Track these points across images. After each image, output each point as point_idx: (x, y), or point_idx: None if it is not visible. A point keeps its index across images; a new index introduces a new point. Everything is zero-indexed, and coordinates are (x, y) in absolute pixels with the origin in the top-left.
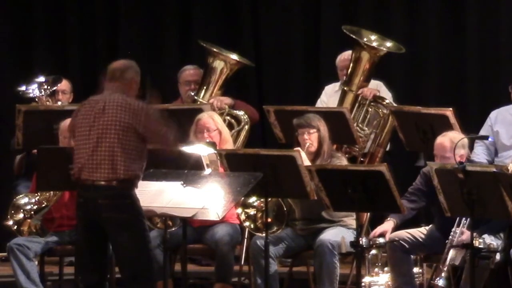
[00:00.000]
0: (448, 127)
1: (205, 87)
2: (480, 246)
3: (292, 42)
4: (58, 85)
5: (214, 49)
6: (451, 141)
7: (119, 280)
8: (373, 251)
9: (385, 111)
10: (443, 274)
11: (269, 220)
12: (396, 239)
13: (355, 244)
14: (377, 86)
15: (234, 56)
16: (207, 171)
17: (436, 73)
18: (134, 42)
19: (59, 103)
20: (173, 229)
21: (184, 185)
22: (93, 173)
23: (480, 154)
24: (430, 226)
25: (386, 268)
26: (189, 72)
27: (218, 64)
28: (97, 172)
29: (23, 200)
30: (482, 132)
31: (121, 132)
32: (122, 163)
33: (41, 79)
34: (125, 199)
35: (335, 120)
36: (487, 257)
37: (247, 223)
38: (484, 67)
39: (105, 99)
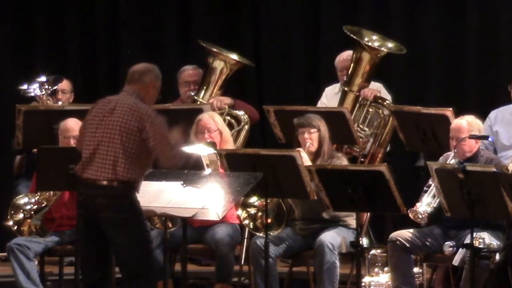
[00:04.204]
0: (448, 127)
1: (205, 87)
2: (480, 246)
3: (292, 42)
4: (59, 84)
5: (214, 49)
6: (468, 123)
7: (119, 280)
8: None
9: (385, 112)
10: (423, 199)
11: (269, 220)
12: (398, 238)
13: (355, 244)
14: (377, 88)
15: (234, 56)
16: (207, 171)
17: (436, 73)
18: (134, 42)
19: (60, 103)
20: (173, 229)
21: (184, 185)
22: (95, 171)
23: None
24: (432, 226)
25: (386, 268)
26: (188, 72)
27: (218, 64)
28: (98, 171)
29: (23, 200)
30: (482, 132)
31: (125, 135)
32: (123, 165)
33: (43, 78)
34: (123, 199)
35: (335, 120)
36: (487, 257)
37: (246, 221)
38: (484, 67)
39: (118, 100)
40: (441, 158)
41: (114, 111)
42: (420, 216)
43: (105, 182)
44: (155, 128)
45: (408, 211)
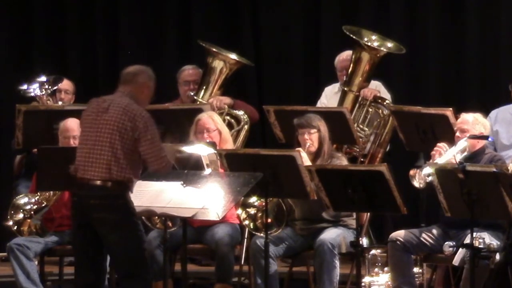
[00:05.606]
0: (448, 127)
1: (204, 87)
2: (480, 246)
3: (292, 42)
4: (59, 84)
5: (214, 49)
6: (475, 118)
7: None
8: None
9: (385, 112)
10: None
11: (269, 220)
12: (398, 238)
13: (355, 244)
14: (376, 87)
15: (234, 56)
16: (207, 171)
17: (436, 73)
18: (134, 42)
19: (60, 102)
20: (173, 229)
21: (184, 185)
22: (89, 171)
23: None
24: (432, 226)
25: (386, 268)
26: (188, 72)
27: (218, 64)
28: (92, 171)
29: (23, 200)
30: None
31: (119, 134)
32: (117, 164)
33: (43, 78)
34: (117, 199)
35: (335, 120)
36: (487, 257)
37: (246, 222)
38: (484, 67)
39: (112, 100)
40: None
41: (108, 111)
42: (419, 181)
43: (99, 182)
44: (148, 130)
45: (410, 170)
